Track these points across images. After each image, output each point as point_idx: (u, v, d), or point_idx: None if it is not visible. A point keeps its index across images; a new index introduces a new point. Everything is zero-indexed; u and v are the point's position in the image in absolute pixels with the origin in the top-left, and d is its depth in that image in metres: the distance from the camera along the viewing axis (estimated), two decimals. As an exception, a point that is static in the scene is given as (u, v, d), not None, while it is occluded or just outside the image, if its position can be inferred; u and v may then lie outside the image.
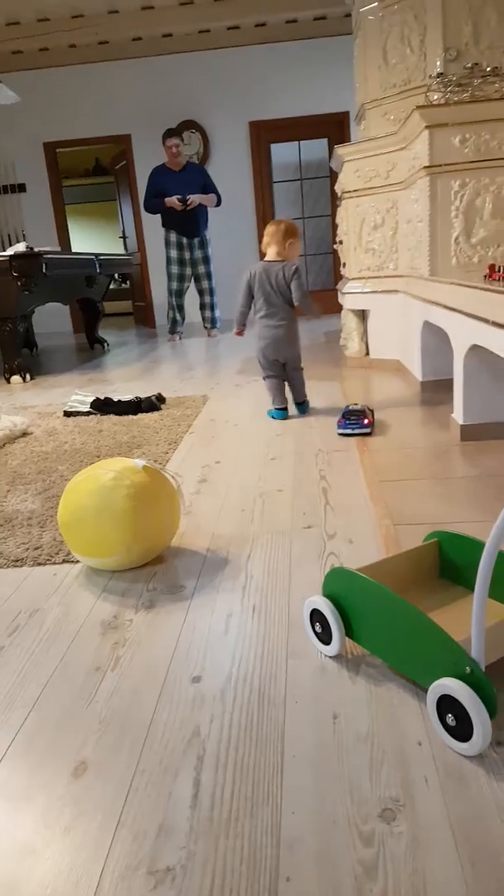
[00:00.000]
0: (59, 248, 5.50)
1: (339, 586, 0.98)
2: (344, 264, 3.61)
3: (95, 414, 2.74)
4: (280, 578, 1.26)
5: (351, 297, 3.43)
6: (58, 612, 1.21)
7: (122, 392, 3.24)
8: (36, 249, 3.68)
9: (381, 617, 0.91)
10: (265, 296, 2.39)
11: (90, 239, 9.28)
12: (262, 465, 1.96)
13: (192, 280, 5.48)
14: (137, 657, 1.04)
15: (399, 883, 0.63)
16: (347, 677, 0.95)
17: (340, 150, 3.25)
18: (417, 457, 1.92)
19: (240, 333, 2.51)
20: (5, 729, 0.90)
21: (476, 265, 2.53)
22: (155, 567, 1.35)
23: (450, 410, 2.18)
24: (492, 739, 0.79)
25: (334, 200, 6.56)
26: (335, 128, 6.40)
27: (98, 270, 4.68)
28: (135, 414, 2.69)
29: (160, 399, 2.83)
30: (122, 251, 7.33)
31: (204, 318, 5.62)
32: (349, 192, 3.27)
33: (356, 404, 2.29)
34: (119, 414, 2.71)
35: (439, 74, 2.71)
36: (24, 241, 5.92)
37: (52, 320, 6.80)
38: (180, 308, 5.52)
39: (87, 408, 2.77)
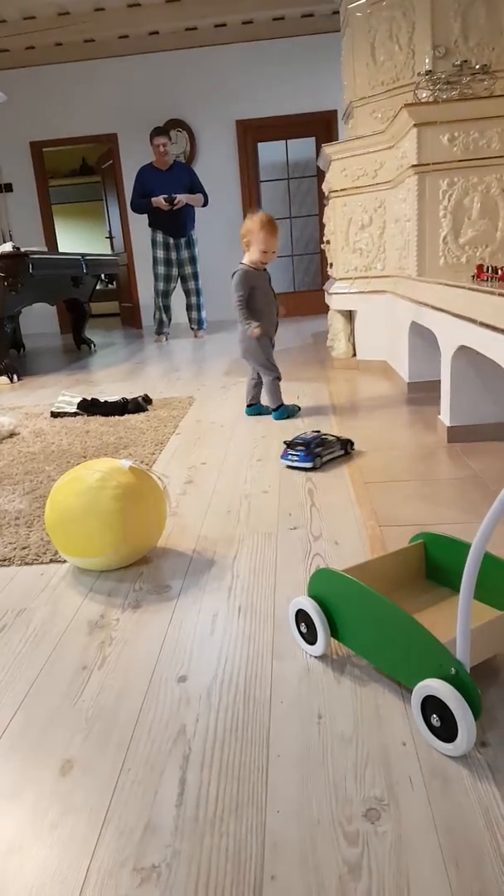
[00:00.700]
0: (45, 249, 5.47)
1: (325, 587, 0.99)
2: (331, 264, 3.61)
3: (82, 415, 2.73)
4: (266, 579, 1.26)
5: (338, 297, 3.44)
6: (45, 612, 1.20)
7: (109, 393, 3.23)
8: (22, 249, 3.66)
9: (367, 618, 0.92)
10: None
11: (77, 239, 9.23)
12: (248, 467, 1.96)
13: (179, 280, 5.47)
14: (124, 656, 1.04)
15: (383, 882, 0.64)
16: (332, 678, 0.95)
17: (328, 148, 3.26)
18: (404, 458, 1.93)
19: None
20: (-10, 731, 0.90)
21: (464, 265, 2.55)
22: (141, 567, 1.35)
23: (437, 412, 2.19)
24: (476, 741, 0.80)
25: (321, 200, 6.57)
26: (323, 126, 6.41)
27: (85, 271, 4.66)
28: (121, 415, 2.69)
29: (146, 400, 2.82)
30: (108, 251, 7.30)
31: (190, 319, 5.61)
32: (336, 191, 3.28)
33: (318, 431, 2.00)
34: (106, 415, 2.70)
35: (428, 72, 2.72)
36: (11, 241, 5.87)
37: (39, 321, 6.77)
38: (167, 309, 5.50)
39: (74, 408, 2.76)
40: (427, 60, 2.86)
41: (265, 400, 2.55)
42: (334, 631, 0.98)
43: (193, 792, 0.76)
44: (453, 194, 2.50)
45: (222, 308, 5.65)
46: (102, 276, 5.59)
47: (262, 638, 1.06)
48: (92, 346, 5.33)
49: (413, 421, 2.32)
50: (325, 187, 3.71)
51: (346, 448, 1.97)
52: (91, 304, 5.39)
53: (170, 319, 5.58)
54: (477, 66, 2.71)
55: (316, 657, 1.00)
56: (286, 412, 2.50)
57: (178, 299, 5.61)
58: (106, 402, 2.77)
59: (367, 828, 0.70)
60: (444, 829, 0.69)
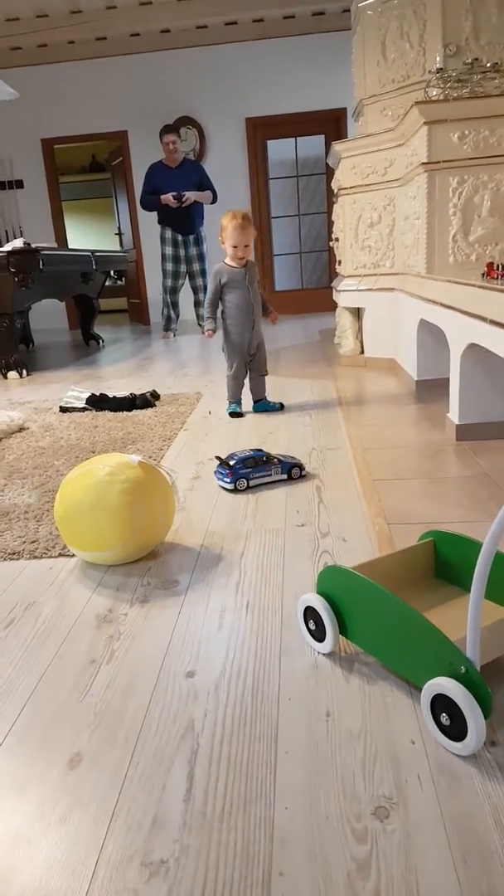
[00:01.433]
0: (55, 245, 5.48)
1: (334, 584, 0.99)
2: (339, 262, 3.60)
3: (91, 410, 2.74)
4: (273, 575, 1.26)
5: (346, 294, 3.43)
6: (53, 606, 1.20)
7: (117, 388, 3.23)
8: (33, 245, 3.67)
9: (376, 615, 0.92)
10: None
11: (86, 235, 9.24)
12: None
13: (187, 277, 5.48)
14: (132, 651, 1.04)
15: (392, 881, 0.64)
16: (341, 675, 0.95)
17: (338, 146, 3.25)
18: (412, 456, 1.92)
19: None
20: (2, 720, 0.90)
21: (474, 263, 2.54)
22: (149, 562, 1.35)
23: (445, 410, 2.18)
24: (486, 740, 0.79)
25: (330, 198, 6.56)
26: (332, 124, 6.39)
27: (94, 267, 4.66)
28: (129, 410, 2.69)
29: (154, 396, 2.82)
30: (117, 248, 7.31)
31: (198, 315, 5.62)
32: (346, 188, 3.27)
33: (260, 450, 1.77)
34: (114, 410, 2.70)
35: (439, 70, 2.71)
36: (22, 237, 5.88)
37: (49, 317, 6.77)
38: (175, 305, 5.51)
39: (82, 404, 2.76)
40: (438, 58, 2.85)
41: (270, 396, 2.56)
42: (343, 628, 0.97)
43: (201, 787, 0.76)
44: (463, 192, 2.49)
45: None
46: (111, 272, 5.59)
47: (270, 634, 1.06)
48: (100, 341, 5.34)
49: (421, 418, 2.31)
50: (334, 185, 3.70)
51: (289, 473, 1.76)
52: (99, 301, 5.40)
53: (178, 316, 5.59)
54: (488, 65, 2.69)
55: (324, 654, 1.00)
56: (230, 408, 2.55)
57: (186, 296, 5.61)
58: (114, 397, 2.78)
59: (376, 825, 0.70)
60: (453, 827, 0.69)
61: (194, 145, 6.52)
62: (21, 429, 2.51)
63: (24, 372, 3.87)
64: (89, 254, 4.58)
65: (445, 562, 1.09)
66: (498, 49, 2.80)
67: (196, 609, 1.15)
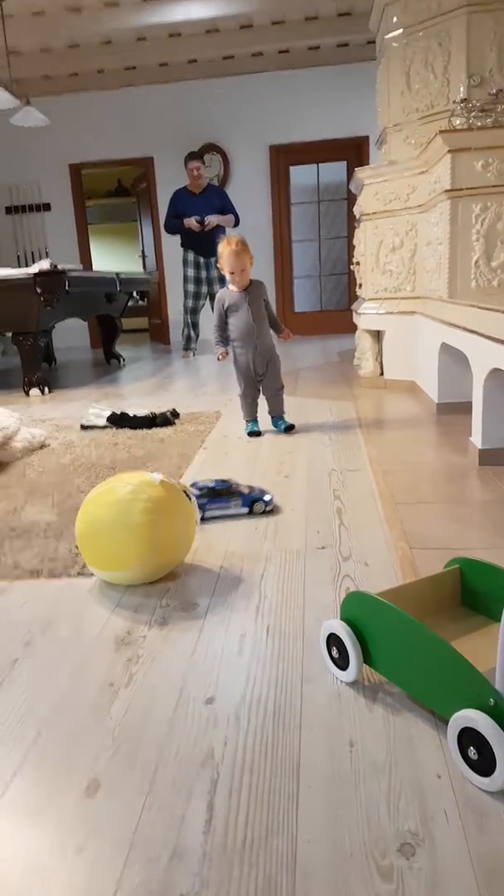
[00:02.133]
0: (80, 266, 5.57)
1: (358, 610, 0.97)
2: (360, 285, 3.62)
3: (111, 428, 2.75)
4: (294, 599, 1.24)
5: (367, 317, 3.44)
6: (72, 626, 1.20)
7: (137, 407, 3.25)
8: (59, 267, 3.73)
9: (401, 644, 0.90)
10: None
11: (109, 257, 9.39)
12: (275, 483, 1.95)
13: (208, 298, 5.54)
14: (151, 675, 1.03)
15: (419, 921, 0.61)
16: (364, 705, 0.93)
17: (361, 173, 3.28)
18: (434, 479, 1.90)
19: None
20: (18, 743, 0.89)
21: (496, 288, 2.53)
22: (168, 583, 1.34)
23: (467, 433, 2.16)
24: (515, 774, 0.77)
25: (351, 222, 6.61)
26: (354, 151, 6.47)
27: (118, 288, 4.73)
28: (149, 428, 2.70)
29: (174, 414, 2.83)
30: (140, 269, 7.41)
31: (218, 336, 5.67)
32: (368, 214, 3.29)
33: (227, 480, 1.69)
34: (134, 428, 2.71)
35: (463, 100, 2.73)
36: (48, 258, 5.99)
37: (71, 335, 6.86)
38: (195, 325, 5.58)
39: (103, 421, 2.78)
40: (462, 89, 2.88)
41: (289, 416, 2.57)
42: (367, 656, 0.95)
43: (222, 818, 0.74)
44: (486, 218, 2.50)
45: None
46: (134, 292, 5.67)
47: (292, 660, 1.04)
48: (121, 360, 5.39)
49: (443, 442, 2.29)
50: (356, 210, 3.73)
51: (251, 507, 1.66)
52: (121, 320, 5.47)
53: (198, 336, 5.64)
54: (512, 94, 2.71)
55: (347, 683, 0.98)
56: (247, 427, 2.56)
57: (205, 316, 5.67)
58: (135, 415, 2.79)
59: (402, 863, 0.67)
60: (482, 867, 0.67)
61: (218, 171, 6.62)
62: (42, 446, 2.53)
63: (47, 389, 3.91)
64: (114, 275, 4.65)
65: (472, 590, 1.07)
66: (522, 79, 2.83)
67: (216, 632, 1.14)
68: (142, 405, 3.32)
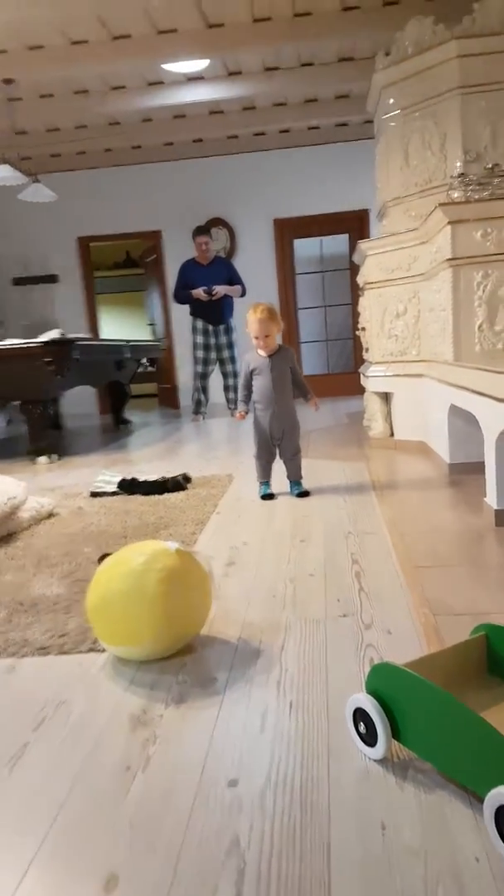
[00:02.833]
0: (89, 336, 5.71)
1: (385, 683, 0.94)
2: (367, 349, 3.68)
3: (122, 494, 2.75)
4: (317, 672, 1.20)
5: (375, 380, 3.48)
6: (84, 705, 1.16)
7: (148, 472, 3.26)
8: (69, 336, 3.82)
9: (431, 717, 0.86)
10: None
11: (119, 325, 9.64)
12: (291, 547, 1.92)
13: (217, 364, 5.67)
14: (169, 756, 0.99)
15: None
16: (395, 783, 0.89)
17: (363, 244, 3.39)
18: (452, 541, 1.87)
19: None
20: (32, 832, 0.84)
21: (500, 351, 2.57)
22: (184, 657, 1.30)
23: (481, 493, 2.14)
24: None
25: (354, 290, 6.80)
26: (356, 223, 6.72)
27: (129, 356, 4.83)
28: (161, 494, 2.70)
29: (186, 479, 2.83)
30: (148, 336, 7.59)
31: (228, 400, 5.79)
32: (372, 283, 3.39)
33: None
34: (146, 494, 2.71)
35: (460, 174, 2.85)
36: (58, 328, 6.16)
37: (79, 401, 6.94)
38: (205, 390, 5.69)
39: (113, 488, 2.78)
40: (458, 164, 3.01)
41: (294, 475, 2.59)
42: (395, 731, 0.92)
43: (251, 914, 0.70)
44: (488, 285, 2.56)
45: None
46: (143, 359, 5.80)
47: (317, 737, 1.00)
48: (130, 424, 5.45)
49: (457, 502, 2.27)
50: (359, 279, 3.84)
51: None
52: (130, 386, 5.57)
53: (207, 399, 5.74)
54: (507, 168, 2.83)
55: (376, 760, 0.93)
56: (261, 491, 2.57)
57: (215, 381, 5.77)
58: (145, 481, 2.79)
59: None
60: None
61: (225, 244, 6.87)
62: (51, 515, 2.52)
63: (55, 457, 3.93)
64: (123, 343, 4.76)
65: (499, 657, 1.03)
66: (515, 154, 2.96)
67: (236, 709, 1.10)
68: (153, 470, 3.33)
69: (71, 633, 1.45)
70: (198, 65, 4.62)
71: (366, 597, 1.52)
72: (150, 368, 8.52)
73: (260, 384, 2.51)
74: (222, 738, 1.02)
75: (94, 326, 7.29)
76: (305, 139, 6.48)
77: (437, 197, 3.03)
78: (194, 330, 5.59)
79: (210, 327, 5.55)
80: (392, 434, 3.47)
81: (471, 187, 2.76)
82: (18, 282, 7.24)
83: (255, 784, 0.90)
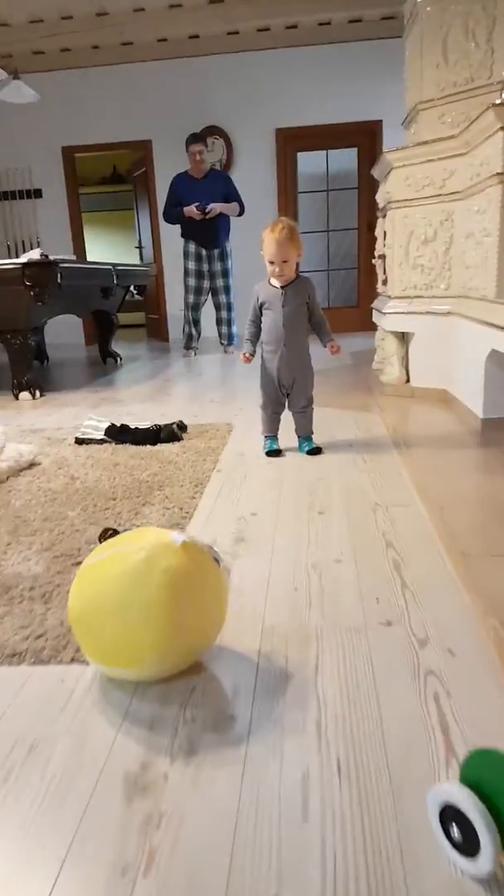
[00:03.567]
0: (74, 257, 5.21)
1: (490, 773, 0.65)
2: (384, 281, 3.30)
3: (110, 442, 2.42)
4: (366, 711, 0.92)
5: (392, 317, 3.11)
6: (66, 751, 0.88)
7: (137, 414, 2.92)
8: (51, 257, 3.38)
9: None
10: None
11: (105, 248, 9.02)
12: (309, 522, 1.63)
13: (210, 294, 5.20)
14: (180, 851, 0.71)
15: None
16: (506, 920, 0.62)
17: (389, 155, 2.95)
18: (502, 518, 1.58)
19: None
20: None
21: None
22: (192, 679, 1.02)
23: (529, 458, 1.85)
24: None
25: (363, 213, 6.28)
26: (366, 137, 6.12)
27: (115, 282, 4.38)
28: (154, 444, 2.37)
29: (181, 427, 2.50)
30: (137, 261, 7.05)
31: (220, 335, 5.35)
32: (397, 201, 2.97)
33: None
34: (136, 443, 2.39)
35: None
36: (39, 247, 5.63)
37: (64, 331, 6.48)
38: (196, 322, 5.24)
39: (101, 435, 2.45)
40: (509, 59, 2.55)
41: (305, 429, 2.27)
42: (507, 845, 0.64)
43: None
44: (543, 206, 2.17)
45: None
46: (131, 287, 5.33)
47: (383, 828, 0.73)
48: (118, 359, 5.05)
49: (499, 466, 1.97)
50: (379, 198, 3.41)
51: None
52: (117, 315, 5.13)
53: (199, 333, 5.31)
54: None
55: (475, 875, 0.66)
56: (266, 446, 2.25)
57: (207, 313, 5.33)
58: (136, 428, 2.46)
59: None
60: None
61: (221, 156, 6.27)
62: (31, 465, 2.20)
63: (38, 392, 3.57)
64: (111, 267, 4.30)
65: None
66: None
67: (266, 774, 0.82)
68: (143, 413, 2.99)
69: (49, 632, 1.16)
70: None
71: (410, 594, 1.24)
72: (137, 297, 8.02)
73: (269, 321, 2.14)
74: (251, 827, 0.74)
75: (79, 248, 6.73)
76: (314, 37, 5.77)
77: (479, 100, 2.59)
78: (185, 254, 5.10)
79: (203, 252, 5.05)
80: (408, 380, 3.14)
81: (527, 87, 2.32)
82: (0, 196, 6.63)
83: (307, 920, 0.63)
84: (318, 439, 2.28)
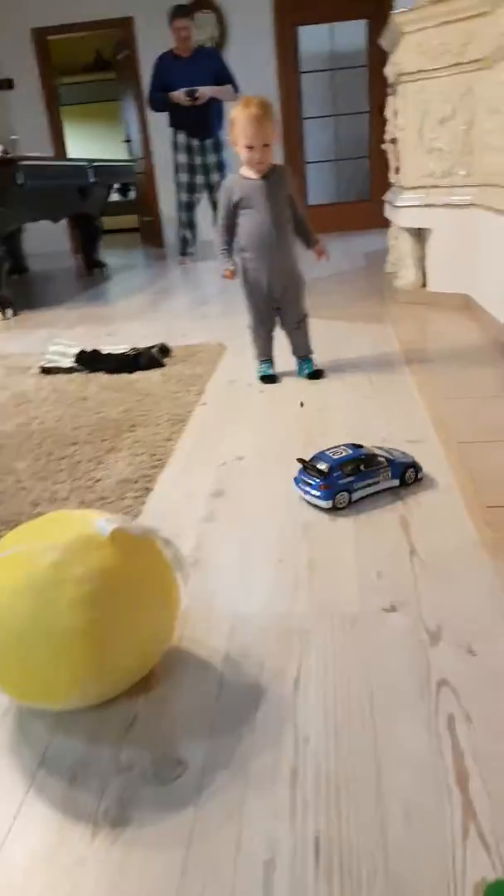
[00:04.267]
0: (51, 154, 4.70)
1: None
2: (397, 169, 2.86)
3: (81, 371, 2.13)
4: (361, 745, 0.69)
5: (406, 211, 2.71)
6: (-43, 817, 0.66)
7: (123, 334, 2.61)
8: (10, 155, 2.96)
9: None
10: None
11: (90, 144, 8.27)
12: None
13: (206, 190, 4.69)
14: None
15: None
16: None
17: (399, 17, 2.46)
18: (533, 458, 1.31)
19: None
20: None
21: None
22: (134, 704, 0.79)
23: None
24: None
25: (373, 95, 5.59)
26: (376, 7, 5.33)
27: (93, 180, 3.91)
28: (131, 372, 2.08)
29: (164, 351, 2.20)
30: (126, 157, 6.43)
31: (220, 238, 4.89)
32: (408, 73, 2.50)
33: (360, 445, 1.25)
34: (111, 372, 2.09)
35: None
36: (13, 143, 5.09)
37: (47, 238, 5.99)
38: (191, 224, 4.75)
39: (69, 362, 2.16)
40: None
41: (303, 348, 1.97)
42: None
43: None
44: None
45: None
46: (117, 185, 4.82)
47: None
48: (105, 269, 4.64)
49: (527, 391, 1.67)
50: (389, 71, 2.90)
51: (402, 477, 1.22)
52: (106, 218, 4.66)
53: (195, 237, 4.83)
54: None
55: None
56: (259, 370, 1.95)
57: (203, 212, 4.84)
58: (110, 354, 2.17)
59: None
60: None
61: (213, 33, 5.53)
62: (-11, 399, 1.94)
63: (10, 311, 3.23)
64: (86, 164, 3.83)
65: None
66: None
67: (217, 855, 0.60)
68: (129, 332, 2.68)
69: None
70: None
71: (422, 567, 0.99)
72: (130, 196, 7.40)
73: (250, 223, 1.77)
74: None
75: (59, 144, 6.12)
76: None
77: None
78: (175, 146, 4.55)
79: (195, 142, 4.50)
80: (425, 284, 2.77)
81: None
82: (-36, 88, 5.97)
83: None
84: (320, 359, 1.98)
